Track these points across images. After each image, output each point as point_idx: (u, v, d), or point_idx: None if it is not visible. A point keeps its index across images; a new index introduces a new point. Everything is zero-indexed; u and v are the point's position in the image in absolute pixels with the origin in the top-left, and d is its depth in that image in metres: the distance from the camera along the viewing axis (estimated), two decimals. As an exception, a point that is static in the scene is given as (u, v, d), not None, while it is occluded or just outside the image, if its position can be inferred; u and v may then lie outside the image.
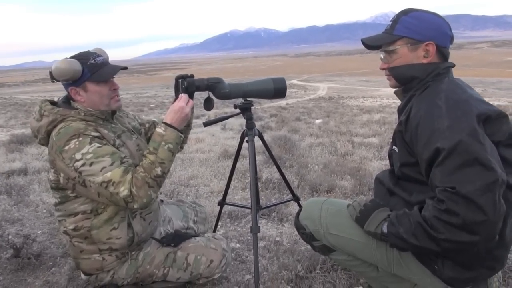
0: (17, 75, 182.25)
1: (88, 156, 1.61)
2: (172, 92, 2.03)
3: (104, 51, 1.84)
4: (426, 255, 1.51)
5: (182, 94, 1.84)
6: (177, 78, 1.90)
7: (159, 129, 1.74)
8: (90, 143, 1.64)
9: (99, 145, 1.65)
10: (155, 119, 2.26)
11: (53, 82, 1.76)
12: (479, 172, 1.25)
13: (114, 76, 1.81)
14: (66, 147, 1.63)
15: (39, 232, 2.94)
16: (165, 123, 1.75)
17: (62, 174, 1.68)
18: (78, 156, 1.61)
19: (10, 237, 2.67)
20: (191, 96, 1.89)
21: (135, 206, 1.63)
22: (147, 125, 2.17)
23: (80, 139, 1.64)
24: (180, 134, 1.77)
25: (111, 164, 1.62)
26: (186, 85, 1.89)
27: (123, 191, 1.59)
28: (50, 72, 1.73)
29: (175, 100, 1.87)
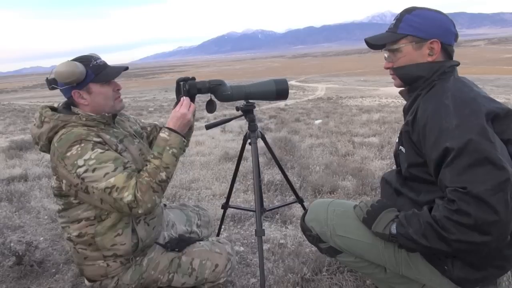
0: (15, 81, 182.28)
1: (91, 162, 1.59)
2: (171, 95, 2.02)
3: (99, 56, 1.82)
4: (435, 255, 1.50)
5: (184, 98, 1.82)
6: (178, 81, 1.89)
7: (163, 134, 1.73)
8: (92, 149, 1.61)
9: (102, 151, 1.62)
10: (156, 123, 2.25)
11: (52, 89, 1.73)
12: (490, 171, 1.23)
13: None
14: (68, 154, 1.60)
15: (41, 238, 2.91)
16: (169, 128, 1.74)
17: (64, 181, 1.66)
18: (80, 162, 1.59)
19: (12, 244, 2.65)
20: (192, 99, 1.87)
21: (140, 212, 1.60)
22: (148, 129, 2.16)
23: (82, 145, 1.61)
24: (183, 138, 1.76)
25: (114, 170, 1.59)
26: (187, 87, 1.88)
27: (127, 196, 1.57)
28: (49, 79, 1.70)
29: (176, 103, 1.86)
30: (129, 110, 24.02)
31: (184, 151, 2.09)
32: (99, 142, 1.65)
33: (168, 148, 1.69)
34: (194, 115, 1.89)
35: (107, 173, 1.58)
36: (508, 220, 1.22)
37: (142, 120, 2.21)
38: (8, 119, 19.41)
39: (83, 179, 1.59)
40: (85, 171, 1.58)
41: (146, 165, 1.67)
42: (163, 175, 1.65)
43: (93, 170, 1.58)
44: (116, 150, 1.72)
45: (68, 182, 1.63)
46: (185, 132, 1.81)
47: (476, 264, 1.44)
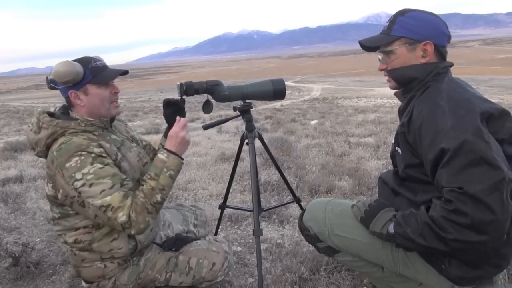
0: (9, 82, 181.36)
1: (89, 177, 1.57)
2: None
3: (101, 58, 1.81)
4: (432, 254, 1.51)
5: (179, 118, 1.81)
6: (164, 102, 1.97)
7: (161, 155, 1.71)
8: (92, 163, 1.59)
9: (101, 166, 1.60)
10: (150, 143, 2.22)
11: (51, 88, 1.71)
12: (485, 171, 1.25)
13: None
14: (67, 165, 1.58)
15: (38, 240, 2.90)
16: (168, 150, 1.73)
17: (61, 190, 1.64)
18: (78, 175, 1.57)
19: (8, 245, 2.64)
20: (182, 104, 1.91)
21: (132, 232, 1.60)
22: (143, 143, 2.15)
23: (82, 158, 1.59)
24: (181, 161, 1.75)
25: (111, 187, 1.58)
26: (185, 88, 1.88)
27: (122, 216, 1.56)
28: (48, 79, 1.69)
29: (168, 126, 1.95)
30: (125, 111, 23.95)
31: None
32: (100, 155, 1.63)
33: (165, 170, 1.68)
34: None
35: (103, 190, 1.57)
36: (504, 219, 1.24)
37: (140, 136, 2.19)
38: (2, 120, 19.30)
39: (79, 193, 1.57)
40: (82, 185, 1.57)
41: (143, 184, 1.66)
42: (158, 197, 1.64)
43: (90, 185, 1.56)
44: (115, 160, 1.70)
45: (65, 192, 1.62)
46: (183, 153, 1.79)
47: (473, 262, 1.45)
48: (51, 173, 1.64)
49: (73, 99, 1.72)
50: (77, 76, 1.64)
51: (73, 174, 1.57)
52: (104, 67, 1.73)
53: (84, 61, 1.69)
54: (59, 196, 1.66)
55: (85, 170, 1.57)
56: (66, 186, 1.60)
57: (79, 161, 1.58)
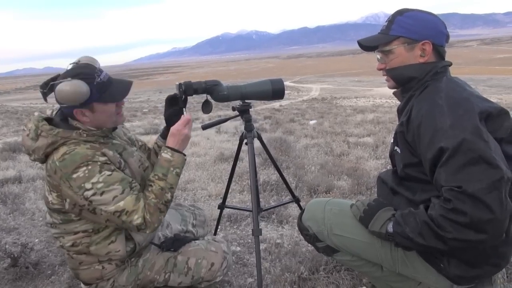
0: (8, 83, 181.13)
1: (99, 186, 1.55)
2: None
3: (93, 59, 1.72)
4: (431, 253, 1.51)
5: (184, 114, 1.81)
6: (167, 98, 1.95)
7: (166, 155, 1.71)
8: (100, 171, 1.57)
9: (109, 173, 1.59)
10: (145, 143, 2.20)
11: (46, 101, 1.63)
12: (484, 170, 1.25)
13: None
14: (75, 175, 1.55)
15: (36, 240, 2.90)
16: (171, 148, 1.72)
17: (68, 200, 1.61)
18: (88, 185, 1.55)
19: (7, 246, 2.64)
20: (185, 102, 1.88)
21: (147, 232, 1.63)
22: (139, 143, 2.14)
23: (90, 167, 1.56)
24: (185, 157, 1.76)
25: (122, 192, 1.58)
26: (184, 88, 1.88)
27: (137, 219, 1.58)
28: (45, 92, 1.60)
29: (168, 123, 1.94)
30: (123, 111, 23.88)
31: None
32: (106, 163, 1.61)
33: (172, 169, 1.70)
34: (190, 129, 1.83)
35: (115, 196, 1.56)
36: (503, 218, 1.24)
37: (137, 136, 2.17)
38: (1, 121, 19.23)
39: (91, 201, 1.56)
40: (93, 194, 1.55)
41: (151, 185, 1.66)
42: (168, 195, 1.67)
43: (101, 194, 1.56)
44: (119, 167, 1.69)
45: (73, 201, 1.60)
46: (184, 148, 1.79)
47: (472, 261, 1.46)
48: (55, 183, 1.60)
49: (78, 116, 1.65)
50: (84, 97, 1.56)
51: (82, 184, 1.55)
52: (109, 81, 1.65)
53: (88, 77, 1.58)
54: (67, 206, 1.63)
55: (94, 180, 1.56)
56: (74, 196, 1.57)
57: (86, 171, 1.56)
